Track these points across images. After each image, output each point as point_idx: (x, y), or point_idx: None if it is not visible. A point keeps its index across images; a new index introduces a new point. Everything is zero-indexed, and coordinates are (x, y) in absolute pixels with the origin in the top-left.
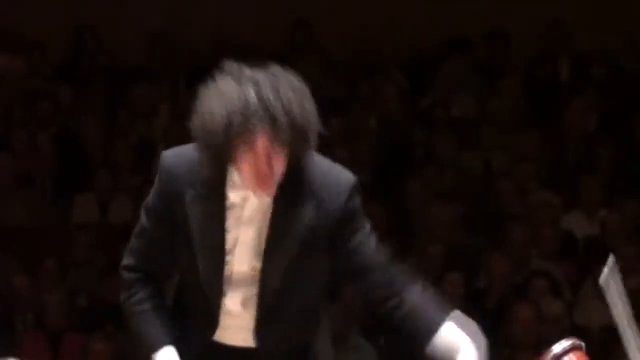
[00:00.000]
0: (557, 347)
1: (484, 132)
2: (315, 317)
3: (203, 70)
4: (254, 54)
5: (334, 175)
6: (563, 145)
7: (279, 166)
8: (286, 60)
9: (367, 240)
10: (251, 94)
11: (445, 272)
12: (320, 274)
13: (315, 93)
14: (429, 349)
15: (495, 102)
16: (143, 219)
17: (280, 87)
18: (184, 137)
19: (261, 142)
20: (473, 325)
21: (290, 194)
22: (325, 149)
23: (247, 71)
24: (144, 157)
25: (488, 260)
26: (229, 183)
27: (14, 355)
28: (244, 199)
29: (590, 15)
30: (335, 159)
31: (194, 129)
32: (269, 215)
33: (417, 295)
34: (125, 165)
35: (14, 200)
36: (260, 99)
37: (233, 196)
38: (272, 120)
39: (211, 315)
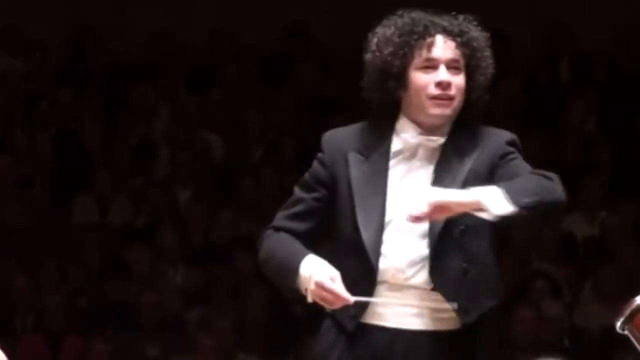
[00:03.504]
0: None
1: None
2: (490, 276)
3: (203, 71)
4: (254, 54)
5: (497, 130)
6: (563, 146)
7: (458, 87)
8: (286, 60)
9: (523, 165)
10: (423, 14)
11: None
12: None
13: (315, 93)
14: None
15: (495, 102)
16: (297, 191)
17: (456, 18)
18: (183, 138)
19: (437, 48)
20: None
21: (458, 142)
22: None
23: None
24: (143, 158)
25: None
26: (395, 135)
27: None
28: (414, 149)
29: (590, 16)
30: None
31: (367, 66)
32: (434, 162)
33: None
34: (125, 166)
35: (14, 201)
36: (433, 18)
37: (402, 145)
38: (446, 31)
39: (367, 281)
